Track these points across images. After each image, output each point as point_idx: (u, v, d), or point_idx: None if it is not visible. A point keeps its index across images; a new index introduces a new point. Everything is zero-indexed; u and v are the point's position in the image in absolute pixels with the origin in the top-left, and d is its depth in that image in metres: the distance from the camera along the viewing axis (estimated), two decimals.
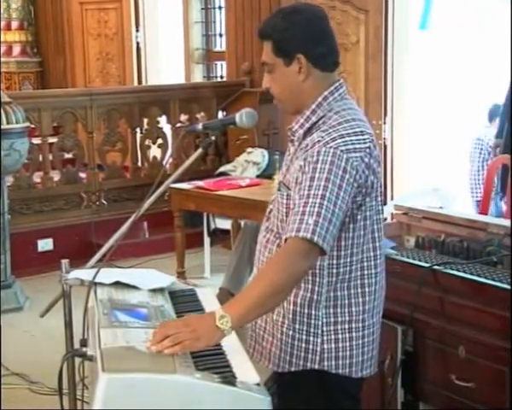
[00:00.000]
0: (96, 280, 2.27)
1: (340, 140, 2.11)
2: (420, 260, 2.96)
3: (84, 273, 2.34)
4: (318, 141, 2.13)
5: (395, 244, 3.13)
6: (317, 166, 2.09)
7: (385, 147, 6.11)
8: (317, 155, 2.10)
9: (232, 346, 2.10)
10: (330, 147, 2.10)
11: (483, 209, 4.97)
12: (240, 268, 4.86)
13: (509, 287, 2.61)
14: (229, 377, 1.89)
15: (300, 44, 2.19)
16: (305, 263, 2.06)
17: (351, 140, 2.12)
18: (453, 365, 2.77)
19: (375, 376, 2.37)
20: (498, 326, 2.60)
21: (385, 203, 5.35)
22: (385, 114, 6.11)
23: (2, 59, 9.19)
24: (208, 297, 2.50)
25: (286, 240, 2.08)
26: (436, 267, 2.84)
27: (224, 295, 4.72)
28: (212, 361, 1.98)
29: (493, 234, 3.05)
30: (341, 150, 2.09)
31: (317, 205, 2.04)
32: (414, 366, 2.92)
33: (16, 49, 9.68)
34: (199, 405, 1.83)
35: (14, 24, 9.70)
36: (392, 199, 5.91)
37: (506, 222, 3.21)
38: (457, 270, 2.81)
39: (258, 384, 1.90)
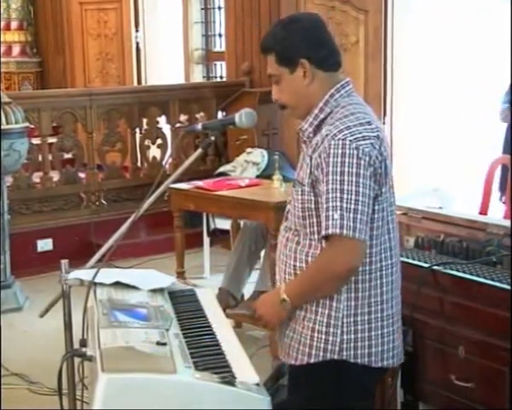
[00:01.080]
0: (96, 280, 2.28)
1: (346, 131, 2.17)
2: (419, 261, 2.96)
3: (84, 273, 2.34)
4: (326, 135, 2.19)
5: None
6: (329, 161, 2.15)
7: None
8: (328, 149, 2.17)
9: (232, 346, 2.10)
10: (338, 139, 2.16)
11: (483, 209, 4.96)
12: (239, 268, 4.86)
13: (508, 287, 2.61)
14: (228, 378, 1.89)
15: (302, 49, 2.27)
16: (343, 260, 2.15)
17: (358, 130, 2.18)
18: (453, 365, 2.77)
19: None
20: (498, 326, 2.60)
21: None
22: (384, 115, 6.11)
23: (2, 59, 9.18)
24: (208, 297, 2.50)
25: (324, 238, 2.18)
26: (436, 267, 2.84)
27: (224, 296, 4.72)
28: (211, 361, 1.98)
29: (493, 234, 3.05)
30: (350, 140, 2.16)
31: (337, 199, 2.12)
32: (413, 366, 2.92)
33: (16, 50, 9.67)
34: (199, 405, 1.83)
35: (14, 24, 9.70)
36: None
37: (506, 222, 3.22)
38: (457, 270, 2.82)
39: (257, 384, 1.90)
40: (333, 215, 2.12)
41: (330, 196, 2.13)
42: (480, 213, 4.75)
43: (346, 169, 2.13)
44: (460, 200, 5.04)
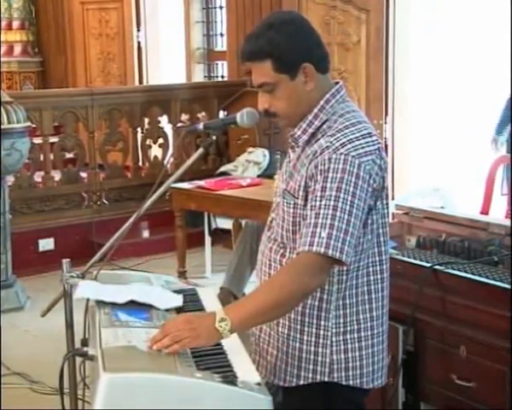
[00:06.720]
0: (109, 300, 2.19)
1: (349, 145, 2.05)
2: (421, 260, 2.96)
3: (89, 290, 2.29)
4: (327, 147, 2.06)
5: (396, 244, 3.13)
6: (328, 175, 2.02)
7: (386, 147, 6.11)
8: (328, 163, 2.03)
9: (233, 346, 2.10)
10: (341, 153, 2.03)
11: (484, 209, 4.96)
12: (240, 268, 4.86)
13: (509, 287, 2.61)
14: (230, 377, 1.89)
15: (304, 53, 2.11)
16: (316, 279, 2.01)
17: (360, 144, 2.06)
18: (454, 364, 2.77)
19: None
20: (499, 326, 2.60)
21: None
22: (386, 114, 6.11)
23: (4, 59, 9.20)
24: (209, 297, 2.50)
25: (299, 254, 2.02)
26: (437, 267, 2.84)
27: (225, 295, 4.72)
28: (213, 361, 1.97)
29: (494, 234, 3.05)
30: (353, 156, 2.03)
31: (329, 217, 1.99)
32: (415, 365, 2.92)
33: (17, 49, 9.68)
34: (200, 405, 1.82)
35: (16, 24, 9.71)
36: (393, 199, 5.89)
37: (507, 222, 3.21)
38: (458, 270, 2.81)
39: (259, 384, 1.89)
40: (320, 233, 1.97)
41: (322, 211, 1.99)
42: (482, 213, 4.75)
43: (344, 186, 2.00)
44: (461, 199, 5.04)
